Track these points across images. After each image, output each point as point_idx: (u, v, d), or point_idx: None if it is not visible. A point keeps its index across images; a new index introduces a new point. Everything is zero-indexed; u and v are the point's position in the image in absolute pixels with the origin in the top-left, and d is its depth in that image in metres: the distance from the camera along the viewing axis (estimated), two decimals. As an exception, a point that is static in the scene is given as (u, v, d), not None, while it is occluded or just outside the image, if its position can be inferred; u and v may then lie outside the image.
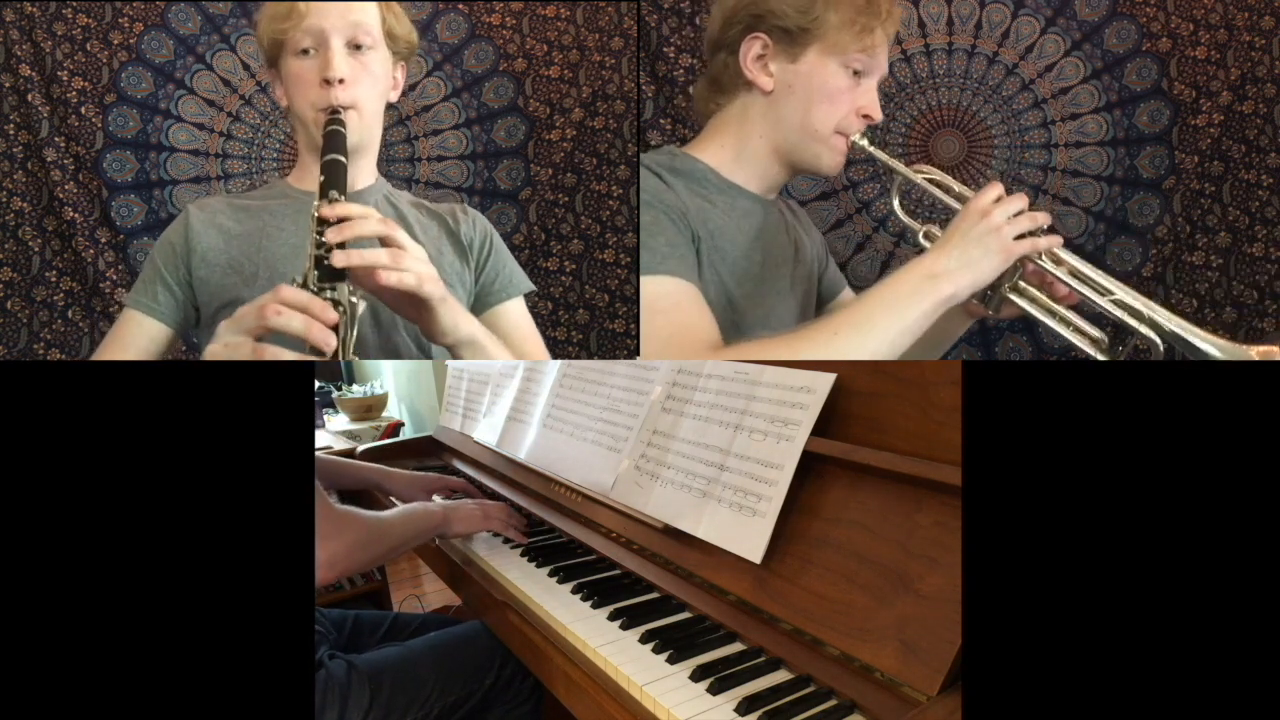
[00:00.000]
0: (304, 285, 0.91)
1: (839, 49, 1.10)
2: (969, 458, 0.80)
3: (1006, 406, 0.81)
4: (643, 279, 1.03)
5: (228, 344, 0.85)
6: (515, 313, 1.32)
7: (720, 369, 1.13)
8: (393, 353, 1.20)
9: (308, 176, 1.25)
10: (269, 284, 1.14)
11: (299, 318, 0.85)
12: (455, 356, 1.05)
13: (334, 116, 1.10)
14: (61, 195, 1.90)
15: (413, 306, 0.99)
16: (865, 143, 1.13)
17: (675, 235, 1.06)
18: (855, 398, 0.99)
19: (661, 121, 1.91)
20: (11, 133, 1.91)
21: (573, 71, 2.00)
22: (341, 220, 0.92)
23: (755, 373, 1.07)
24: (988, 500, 0.79)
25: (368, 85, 1.18)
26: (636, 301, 1.06)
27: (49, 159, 1.90)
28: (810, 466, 0.98)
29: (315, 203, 0.96)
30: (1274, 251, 1.85)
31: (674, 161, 1.16)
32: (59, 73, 1.90)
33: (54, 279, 1.93)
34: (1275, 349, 0.97)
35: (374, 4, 1.20)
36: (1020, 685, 0.77)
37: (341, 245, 0.91)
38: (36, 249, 1.93)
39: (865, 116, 1.13)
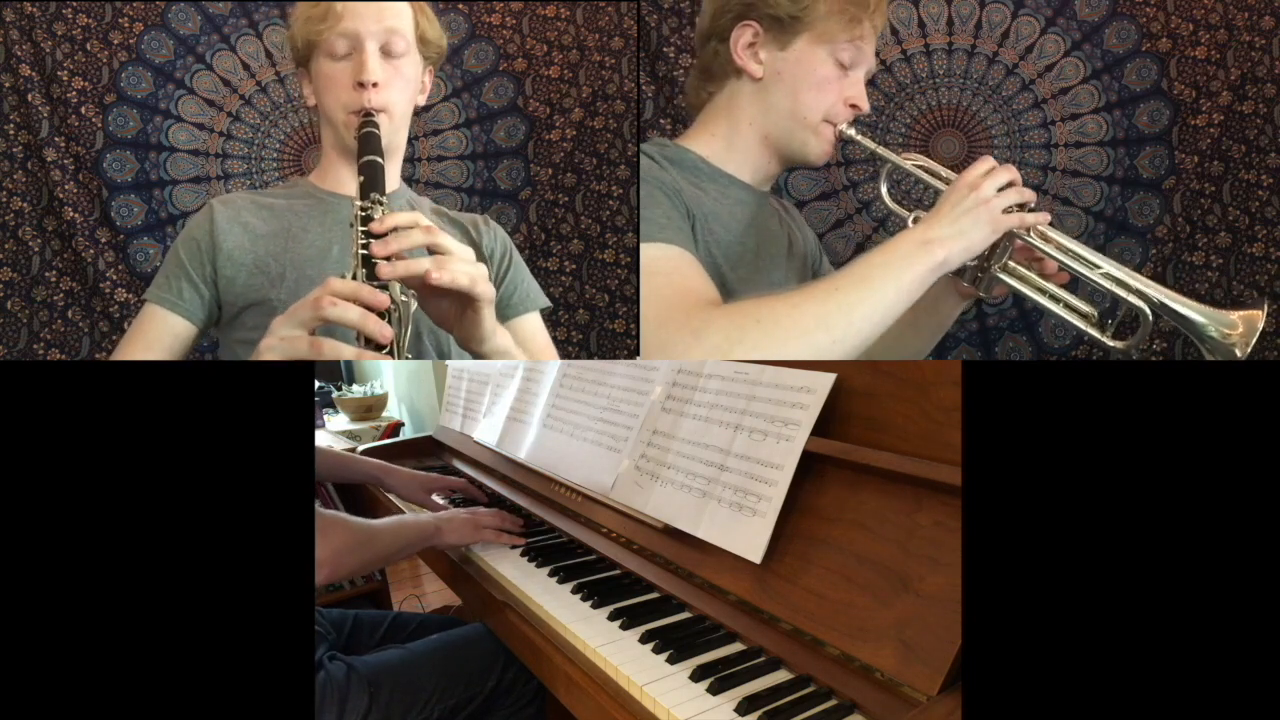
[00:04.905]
0: None
1: (828, 38, 1.13)
2: (969, 458, 0.80)
3: (1006, 406, 0.81)
4: (642, 246, 1.04)
5: (284, 338, 0.84)
6: (531, 326, 1.33)
7: (720, 369, 1.13)
8: (415, 355, 1.20)
9: (333, 176, 1.25)
10: (296, 285, 1.15)
11: (354, 309, 0.85)
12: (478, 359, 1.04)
13: (368, 119, 1.10)
14: (61, 195, 1.90)
15: (457, 312, 0.96)
16: (853, 132, 1.16)
17: (671, 209, 1.07)
18: (855, 398, 0.99)
19: (661, 121, 1.91)
20: (11, 133, 1.91)
21: (573, 71, 2.00)
22: (388, 233, 0.90)
23: (755, 373, 1.07)
24: (988, 500, 0.79)
25: (399, 89, 1.19)
26: (636, 302, 1.06)
27: (49, 159, 1.90)
28: (810, 466, 0.98)
29: (356, 202, 0.95)
30: (1274, 251, 1.85)
31: (665, 151, 1.17)
32: (59, 73, 1.90)
33: (54, 279, 1.92)
34: (1257, 314, 0.98)
35: (408, 7, 1.20)
36: (1020, 685, 0.77)
37: (387, 258, 0.89)
38: (36, 249, 1.92)
39: (853, 106, 1.16)
